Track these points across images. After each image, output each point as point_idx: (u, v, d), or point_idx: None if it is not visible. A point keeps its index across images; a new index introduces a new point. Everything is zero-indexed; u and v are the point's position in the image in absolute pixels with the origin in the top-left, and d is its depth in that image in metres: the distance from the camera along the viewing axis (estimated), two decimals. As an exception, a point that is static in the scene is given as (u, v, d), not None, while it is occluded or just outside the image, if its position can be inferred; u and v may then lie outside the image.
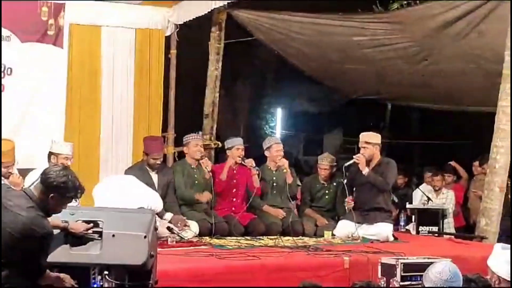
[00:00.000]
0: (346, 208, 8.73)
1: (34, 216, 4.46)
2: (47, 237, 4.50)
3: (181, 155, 9.55)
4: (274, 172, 9.12)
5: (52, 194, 4.63)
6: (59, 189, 4.64)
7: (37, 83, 9.22)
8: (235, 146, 8.96)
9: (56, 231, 4.78)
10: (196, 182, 8.67)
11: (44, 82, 9.29)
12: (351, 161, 8.68)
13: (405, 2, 9.40)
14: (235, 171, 8.94)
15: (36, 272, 4.53)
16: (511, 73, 8.22)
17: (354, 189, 8.78)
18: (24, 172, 7.66)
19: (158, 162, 8.47)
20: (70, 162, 8.00)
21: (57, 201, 4.67)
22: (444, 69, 10.86)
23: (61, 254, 4.77)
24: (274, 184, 9.10)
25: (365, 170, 8.55)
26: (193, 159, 8.72)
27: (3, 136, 7.93)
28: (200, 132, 9.80)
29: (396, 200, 10.68)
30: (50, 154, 7.89)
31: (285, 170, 8.98)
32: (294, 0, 10.56)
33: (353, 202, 8.63)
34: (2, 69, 8.82)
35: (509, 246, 5.23)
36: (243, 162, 8.87)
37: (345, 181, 8.68)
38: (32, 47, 9.11)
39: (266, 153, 9.17)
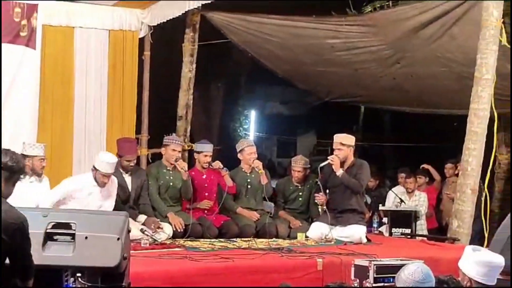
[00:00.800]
0: (318, 203, 8.70)
1: (6, 209, 4.38)
2: (23, 226, 4.41)
3: (155, 157, 9.51)
4: (248, 174, 9.12)
5: (16, 178, 4.54)
6: (23, 170, 4.58)
7: (9, 84, 9.15)
8: (203, 152, 8.93)
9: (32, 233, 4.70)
10: (171, 184, 8.63)
11: (17, 84, 9.23)
12: (326, 162, 8.63)
13: (378, 5, 9.46)
14: (204, 176, 8.93)
15: (28, 271, 4.45)
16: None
17: (328, 190, 8.78)
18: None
19: (132, 164, 8.42)
20: (45, 163, 7.97)
21: (15, 182, 4.55)
22: (416, 72, 10.91)
23: (33, 256, 4.73)
24: (248, 186, 9.11)
25: (339, 172, 8.55)
26: (168, 161, 8.70)
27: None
28: (174, 134, 9.76)
29: (369, 201, 10.72)
30: (24, 156, 7.77)
31: (260, 171, 8.98)
32: (268, 0, 10.59)
33: (323, 198, 8.64)
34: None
35: (479, 248, 5.29)
36: (210, 166, 8.86)
37: (320, 179, 8.70)
38: (5, 48, 9.03)
39: (240, 155, 9.16)
